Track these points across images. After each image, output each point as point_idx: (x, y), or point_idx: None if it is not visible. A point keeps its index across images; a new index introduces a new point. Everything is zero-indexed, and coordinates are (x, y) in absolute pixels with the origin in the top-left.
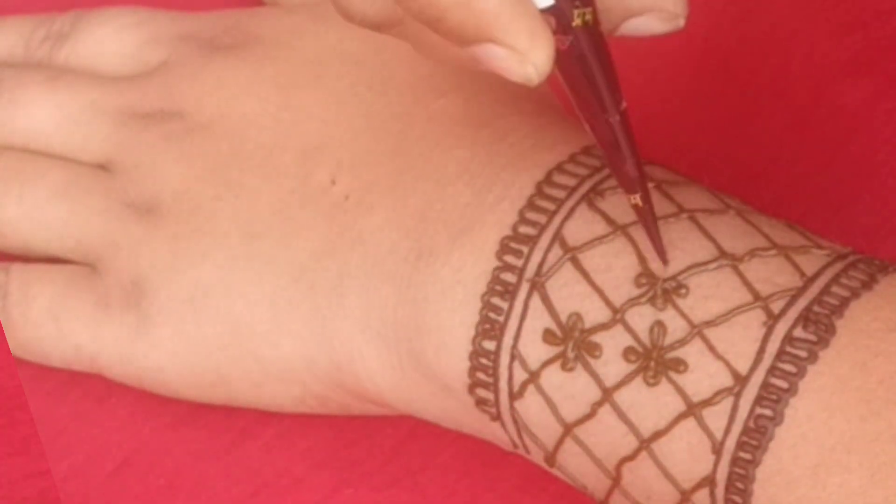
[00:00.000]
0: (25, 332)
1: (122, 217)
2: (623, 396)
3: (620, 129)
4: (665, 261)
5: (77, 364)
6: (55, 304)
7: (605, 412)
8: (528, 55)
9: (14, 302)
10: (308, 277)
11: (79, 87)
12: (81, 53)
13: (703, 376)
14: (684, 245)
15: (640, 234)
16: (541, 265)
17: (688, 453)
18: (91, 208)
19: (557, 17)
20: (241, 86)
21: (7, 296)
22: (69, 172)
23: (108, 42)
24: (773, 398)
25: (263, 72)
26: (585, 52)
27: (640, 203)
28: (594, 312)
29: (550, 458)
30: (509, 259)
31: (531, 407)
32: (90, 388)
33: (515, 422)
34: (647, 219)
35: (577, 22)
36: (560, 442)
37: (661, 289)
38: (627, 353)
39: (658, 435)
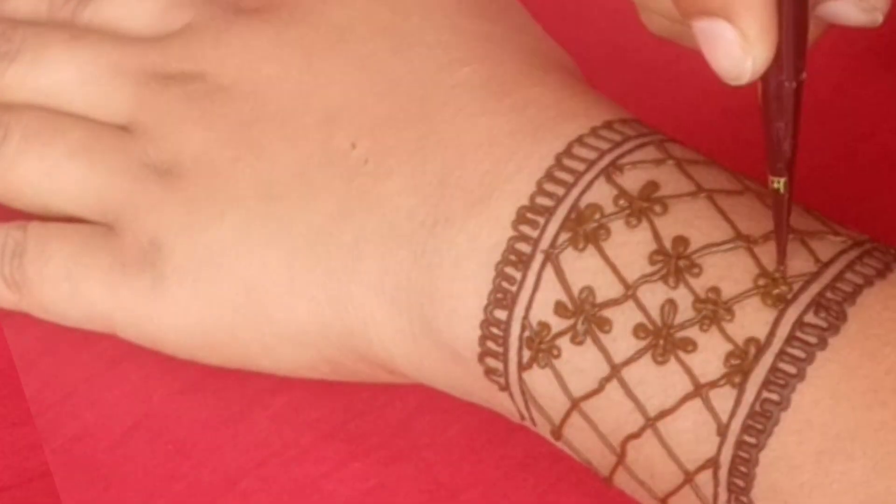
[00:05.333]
0: (42, 291)
1: (141, 177)
2: (631, 373)
3: (793, 98)
4: (783, 263)
5: (92, 323)
6: (71, 263)
7: (613, 388)
8: (753, 46)
9: (30, 260)
10: (324, 240)
11: (101, 47)
12: (105, 14)
13: (711, 357)
14: (700, 224)
15: (656, 211)
16: (556, 237)
17: (693, 434)
18: (110, 168)
19: None
20: (264, 49)
21: (24, 253)
22: (89, 132)
23: (131, 3)
24: (781, 383)
25: (287, 35)
26: (788, 12)
27: (782, 190)
28: (606, 287)
29: (557, 431)
30: (525, 229)
31: (539, 378)
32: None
33: (523, 393)
34: (780, 212)
35: None
36: (567, 415)
37: (674, 267)
38: (637, 329)
39: (664, 414)
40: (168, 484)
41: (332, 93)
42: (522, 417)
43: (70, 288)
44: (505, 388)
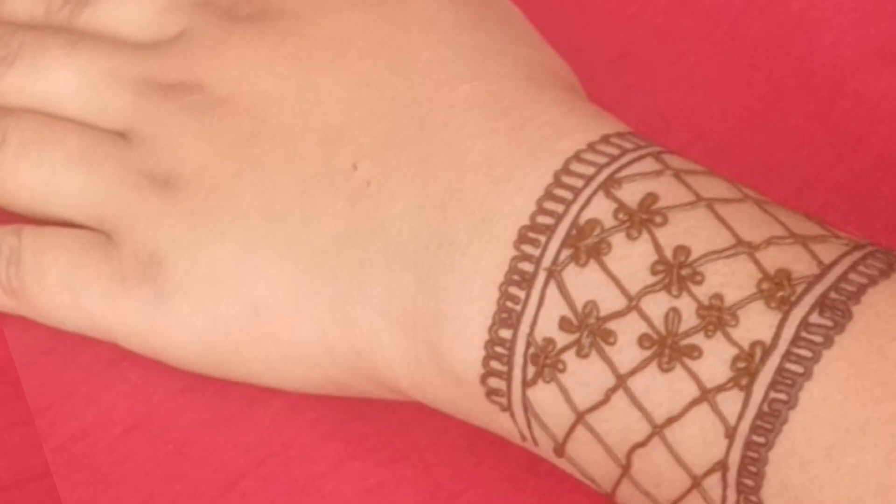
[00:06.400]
0: (41, 301)
1: (140, 187)
2: (637, 383)
3: None
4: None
5: (93, 333)
6: (70, 273)
7: (619, 398)
8: None
9: (28, 270)
10: (330, 263)
11: (99, 53)
12: (101, 18)
13: (717, 362)
14: (700, 233)
15: (656, 222)
16: (558, 254)
17: (700, 438)
18: (108, 176)
19: None
20: (261, 61)
21: (21, 262)
22: (87, 138)
23: (127, 7)
24: (788, 382)
25: (284, 47)
26: None
27: None
28: (610, 300)
29: (560, 447)
30: (527, 248)
31: (544, 394)
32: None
33: (526, 411)
34: None
35: None
36: (571, 429)
37: (676, 276)
38: (642, 339)
39: (671, 420)
40: (168, 484)
41: (331, 111)
42: (523, 438)
43: (70, 299)
44: (507, 408)
